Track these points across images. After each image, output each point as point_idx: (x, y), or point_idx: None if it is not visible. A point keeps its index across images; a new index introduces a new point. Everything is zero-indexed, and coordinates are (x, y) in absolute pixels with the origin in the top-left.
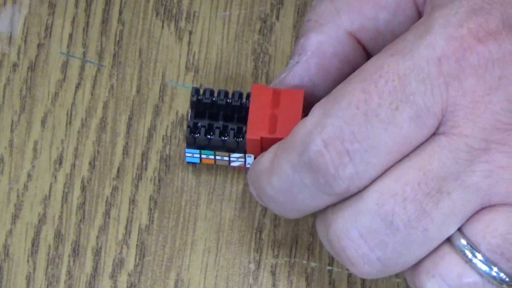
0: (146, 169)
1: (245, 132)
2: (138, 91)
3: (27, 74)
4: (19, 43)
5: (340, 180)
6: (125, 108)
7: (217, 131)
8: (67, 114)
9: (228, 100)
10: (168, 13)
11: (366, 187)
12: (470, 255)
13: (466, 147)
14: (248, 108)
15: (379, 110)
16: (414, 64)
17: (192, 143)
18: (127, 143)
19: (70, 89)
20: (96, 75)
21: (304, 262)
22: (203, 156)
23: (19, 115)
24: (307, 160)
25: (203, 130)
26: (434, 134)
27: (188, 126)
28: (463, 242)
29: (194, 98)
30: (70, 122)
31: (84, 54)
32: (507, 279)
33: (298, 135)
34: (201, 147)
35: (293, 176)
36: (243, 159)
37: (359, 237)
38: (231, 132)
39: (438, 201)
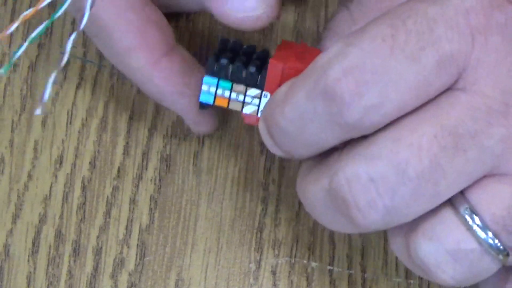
0: (146, 169)
1: (268, 63)
2: (138, 91)
3: (27, 74)
4: (19, 43)
5: (354, 110)
6: (125, 108)
7: (241, 59)
8: (67, 114)
9: (253, 50)
10: (168, 13)
11: (379, 132)
12: (471, 222)
13: (485, 107)
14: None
15: (405, 46)
16: (444, 11)
17: (213, 66)
18: (127, 143)
19: (71, 89)
20: (96, 75)
21: (305, 261)
22: (218, 92)
23: (20, 115)
24: (323, 87)
25: (226, 57)
26: (453, 89)
27: (214, 53)
28: (466, 207)
29: (223, 39)
30: (70, 122)
31: (84, 54)
32: (503, 249)
33: (319, 62)
34: (220, 73)
35: (306, 104)
36: (257, 102)
37: (369, 181)
38: (254, 63)
39: (454, 157)
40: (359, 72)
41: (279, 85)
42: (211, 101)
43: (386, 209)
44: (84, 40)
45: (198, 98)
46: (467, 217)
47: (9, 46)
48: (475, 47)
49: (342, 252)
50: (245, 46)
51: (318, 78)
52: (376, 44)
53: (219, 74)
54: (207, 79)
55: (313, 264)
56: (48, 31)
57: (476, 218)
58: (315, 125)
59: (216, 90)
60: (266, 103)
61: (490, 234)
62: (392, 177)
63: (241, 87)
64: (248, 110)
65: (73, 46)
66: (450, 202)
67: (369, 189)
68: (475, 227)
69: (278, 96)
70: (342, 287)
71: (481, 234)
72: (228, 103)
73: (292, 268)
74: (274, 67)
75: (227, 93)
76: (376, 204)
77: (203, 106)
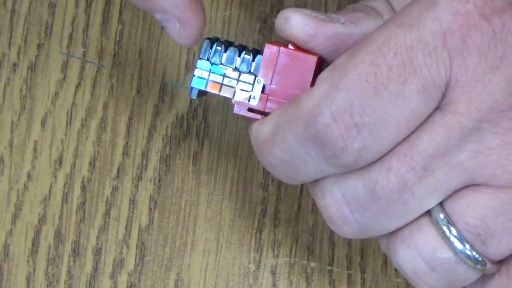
0: (146, 169)
1: (262, 52)
2: (138, 91)
3: (27, 74)
4: (19, 43)
5: (348, 153)
6: (125, 108)
7: (235, 47)
8: (67, 114)
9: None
10: None
11: None
12: (447, 231)
13: (459, 126)
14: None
15: (388, 83)
16: (421, 37)
17: (207, 50)
18: (127, 143)
19: (70, 89)
20: (96, 75)
21: (304, 262)
22: (211, 77)
23: (19, 115)
24: (315, 133)
25: (221, 43)
26: None
27: (208, 38)
28: (442, 217)
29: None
30: (70, 122)
31: (84, 54)
32: (480, 259)
33: (305, 107)
34: (214, 57)
35: (297, 148)
36: (250, 89)
37: (342, 198)
38: (249, 50)
39: (422, 177)
40: (348, 115)
41: (274, 70)
42: (203, 87)
43: (359, 225)
44: (84, 40)
45: None
46: (443, 226)
47: (9, 47)
48: (453, 68)
49: (341, 253)
50: (236, 44)
51: (308, 124)
52: (360, 86)
53: (213, 58)
54: (200, 63)
55: (313, 264)
56: (48, 31)
57: (452, 227)
58: (308, 165)
59: (209, 75)
60: (251, 133)
61: (466, 244)
62: (363, 196)
63: (235, 73)
64: (239, 97)
65: (73, 46)
66: (428, 210)
67: (341, 205)
68: (451, 237)
69: (264, 133)
70: (341, 287)
71: (457, 244)
72: (220, 89)
73: (292, 268)
74: (270, 50)
75: (219, 79)
76: (348, 220)
77: (194, 92)
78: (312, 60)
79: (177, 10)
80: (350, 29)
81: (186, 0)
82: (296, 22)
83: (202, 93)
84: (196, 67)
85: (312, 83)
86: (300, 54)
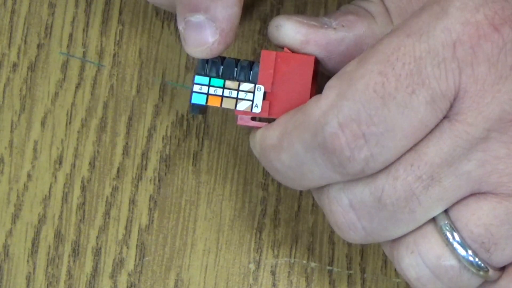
0: (146, 169)
1: (258, 62)
2: (138, 91)
3: (27, 74)
4: (19, 43)
5: (355, 162)
6: (125, 108)
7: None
8: (67, 114)
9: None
10: (168, 13)
11: None
12: (451, 239)
13: (466, 136)
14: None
15: (396, 93)
16: (430, 47)
17: (204, 65)
18: (127, 143)
19: (70, 89)
20: (96, 75)
21: (304, 262)
22: (211, 91)
23: (19, 115)
24: (322, 141)
25: (216, 58)
26: None
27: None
28: (447, 224)
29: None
30: (70, 122)
31: (84, 54)
32: (484, 266)
33: (312, 115)
34: (212, 71)
35: (305, 155)
36: (251, 98)
37: (349, 205)
38: (244, 62)
39: (428, 186)
40: (355, 125)
41: (273, 75)
42: (203, 102)
43: (365, 231)
44: (84, 40)
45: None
46: (448, 233)
47: (9, 47)
48: (463, 79)
49: (341, 253)
50: (228, 59)
51: (315, 133)
52: (368, 96)
53: (210, 72)
54: (198, 78)
55: (313, 264)
56: (48, 32)
57: (456, 235)
58: (314, 173)
59: (209, 89)
60: (256, 140)
61: (470, 251)
62: (369, 203)
63: (234, 83)
64: (241, 106)
65: (73, 46)
66: (433, 218)
67: (348, 212)
68: (455, 244)
69: (271, 139)
70: (341, 287)
71: (461, 251)
72: (222, 101)
73: (292, 268)
74: (267, 56)
75: (219, 91)
76: (355, 226)
77: (195, 108)
78: (310, 60)
79: (226, 23)
80: (342, 33)
81: (238, 16)
82: (288, 30)
83: (203, 109)
84: (195, 83)
85: (312, 84)
86: (297, 56)
